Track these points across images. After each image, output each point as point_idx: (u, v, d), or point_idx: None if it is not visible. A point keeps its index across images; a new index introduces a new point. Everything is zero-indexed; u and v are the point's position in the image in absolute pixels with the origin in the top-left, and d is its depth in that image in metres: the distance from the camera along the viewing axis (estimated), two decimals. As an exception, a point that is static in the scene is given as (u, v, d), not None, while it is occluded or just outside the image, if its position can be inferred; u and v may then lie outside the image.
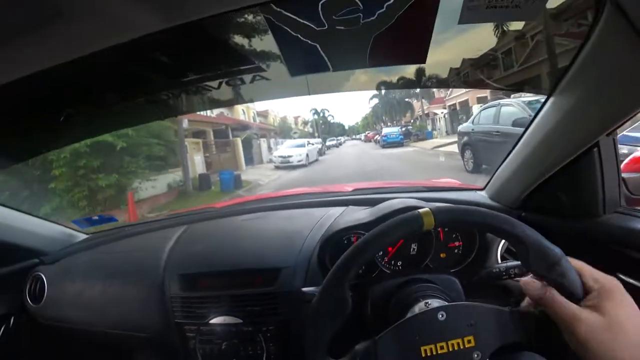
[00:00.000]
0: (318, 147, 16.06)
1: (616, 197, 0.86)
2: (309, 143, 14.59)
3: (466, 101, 16.48)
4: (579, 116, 0.76)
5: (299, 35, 0.62)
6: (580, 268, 0.53)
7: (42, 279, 1.20)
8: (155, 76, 0.74)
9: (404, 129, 18.13)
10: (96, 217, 1.42)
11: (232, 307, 0.97)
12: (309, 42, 0.64)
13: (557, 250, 0.53)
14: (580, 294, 0.51)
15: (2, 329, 1.16)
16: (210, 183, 10.55)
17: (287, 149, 14.37)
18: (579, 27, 0.69)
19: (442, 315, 0.55)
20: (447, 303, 0.68)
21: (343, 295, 0.57)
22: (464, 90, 15.22)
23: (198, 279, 1.04)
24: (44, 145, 1.10)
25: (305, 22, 0.59)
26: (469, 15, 0.59)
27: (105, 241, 1.32)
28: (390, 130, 17.42)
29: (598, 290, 0.50)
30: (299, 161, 13.04)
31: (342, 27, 0.61)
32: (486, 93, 12.88)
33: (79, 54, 0.59)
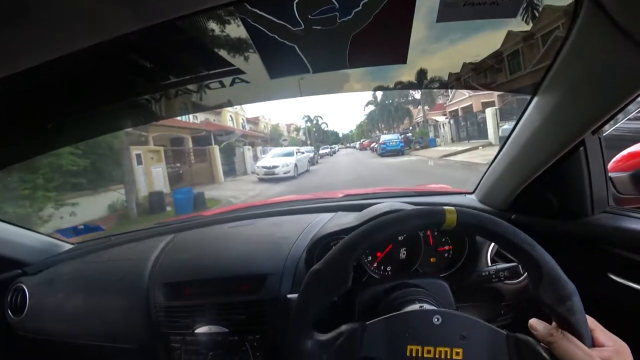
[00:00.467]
0: (309, 156, 14.70)
1: (604, 197, 0.85)
2: (298, 151, 13.02)
3: (469, 107, 15.37)
4: (563, 115, 0.75)
5: (276, 36, 0.61)
6: (591, 322, 0.52)
7: (24, 290, 1.17)
8: (133, 79, 0.72)
9: (403, 136, 16.66)
10: (82, 227, 1.40)
11: (217, 316, 0.95)
12: (287, 43, 0.63)
13: (571, 285, 0.52)
14: (588, 340, 0.50)
15: None
16: (164, 204, 8.32)
17: (273, 158, 12.50)
18: (558, 25, 0.69)
19: (438, 320, 0.54)
20: (437, 308, 0.66)
21: (347, 268, 0.56)
22: (466, 94, 14.91)
23: (183, 287, 1.01)
24: (14, 156, 1.08)
25: (281, 22, 0.59)
26: (447, 13, 0.58)
27: (90, 250, 1.30)
28: (390, 137, 15.83)
29: (614, 347, 0.50)
30: (286, 172, 11.34)
31: (319, 27, 0.60)
32: (493, 98, 12.47)
33: (50, 55, 0.58)
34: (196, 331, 0.95)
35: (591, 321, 0.52)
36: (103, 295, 1.10)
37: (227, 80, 0.72)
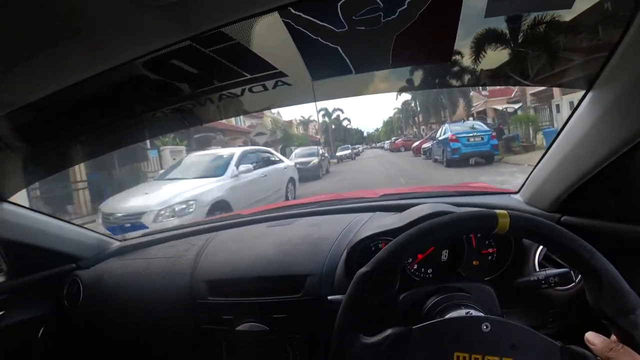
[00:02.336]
0: (313, 163, 10.43)
1: None
2: (278, 160, 7.12)
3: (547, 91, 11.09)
4: (623, 110, 0.70)
5: (319, 38, 0.62)
6: None
7: (79, 282, 1.25)
8: (179, 86, 0.75)
9: (491, 128, 9.75)
10: (128, 225, 1.48)
11: (258, 314, 0.97)
12: (330, 44, 0.63)
13: (636, 296, 0.49)
14: None
15: (42, 329, 1.22)
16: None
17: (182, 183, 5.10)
18: (618, 14, 0.64)
19: (487, 327, 0.52)
20: (483, 314, 0.64)
21: (395, 271, 0.56)
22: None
23: (224, 285, 1.05)
24: (73, 159, 1.16)
25: (324, 24, 0.59)
26: (496, 7, 0.56)
27: (136, 248, 1.37)
28: (466, 129, 8.94)
29: None
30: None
31: (363, 28, 0.60)
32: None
33: (101, 68, 0.61)
34: (237, 328, 0.98)
35: None
36: (149, 290, 1.16)
37: (269, 84, 0.73)
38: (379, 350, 0.53)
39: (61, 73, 0.63)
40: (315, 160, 11.03)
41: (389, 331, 0.54)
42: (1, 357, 1.15)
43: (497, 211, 0.55)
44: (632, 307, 0.48)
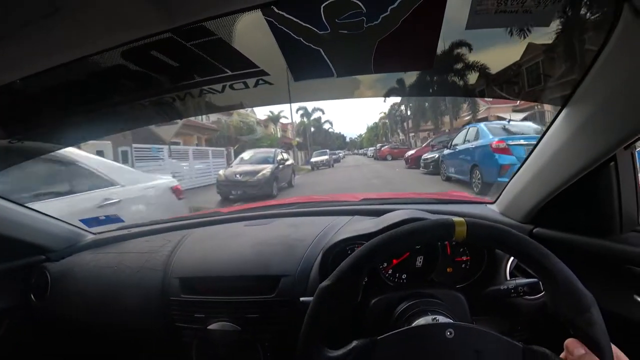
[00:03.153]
0: (262, 174, 7.91)
1: (634, 215, 0.81)
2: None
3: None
4: (595, 128, 0.72)
5: (302, 39, 0.61)
6: (616, 351, 0.50)
7: (47, 275, 1.21)
8: (159, 78, 0.74)
9: None
10: (103, 217, 1.44)
11: (230, 314, 0.96)
12: (312, 46, 0.63)
13: (590, 296, 0.50)
14: (609, 353, 0.48)
15: (7, 322, 1.17)
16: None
17: None
18: (594, 35, 0.66)
19: (450, 333, 0.53)
20: (452, 320, 0.65)
21: (357, 283, 0.56)
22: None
23: (197, 283, 1.03)
24: (45, 148, 1.12)
25: (307, 25, 0.58)
26: (477, 20, 0.57)
27: (110, 241, 1.34)
28: (519, 134, 5.65)
29: None
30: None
31: (346, 32, 0.60)
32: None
33: (80, 53, 0.60)
34: (209, 327, 0.96)
35: (615, 350, 0.50)
36: (121, 285, 1.13)
37: (251, 82, 0.72)
38: None
39: (35, 55, 0.61)
40: (266, 170, 8.00)
41: (353, 343, 0.54)
42: None
43: (455, 219, 0.55)
44: (586, 305, 0.49)
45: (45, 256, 1.28)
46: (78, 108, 0.85)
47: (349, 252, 0.96)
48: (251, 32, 0.62)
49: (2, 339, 1.16)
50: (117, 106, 0.85)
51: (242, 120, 17.91)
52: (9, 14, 0.50)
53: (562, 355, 0.51)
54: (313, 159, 17.13)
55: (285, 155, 9.78)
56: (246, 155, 9.91)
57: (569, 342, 0.51)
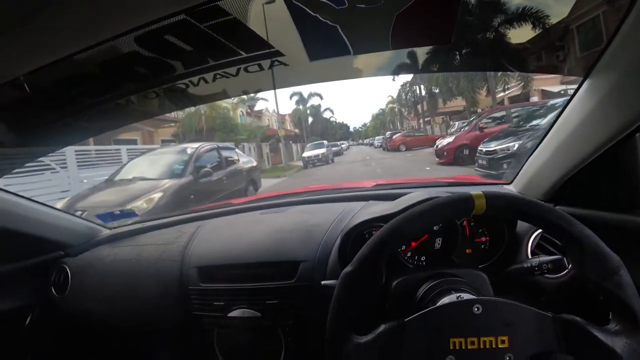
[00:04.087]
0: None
1: None
2: None
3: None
4: (619, 99, 0.70)
5: (318, 15, 0.60)
6: None
7: (67, 270, 1.23)
8: (172, 64, 0.73)
9: None
10: (118, 212, 1.45)
11: (250, 301, 0.96)
12: (329, 22, 0.62)
13: (617, 258, 0.50)
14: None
15: (29, 318, 1.19)
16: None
17: None
18: (617, 2, 0.64)
19: (478, 309, 0.52)
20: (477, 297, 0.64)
21: (380, 266, 0.55)
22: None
23: (215, 271, 1.04)
24: (59, 142, 1.12)
25: (324, 0, 0.57)
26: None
27: (126, 236, 1.35)
28: None
29: None
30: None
31: (363, 6, 0.58)
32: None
33: (92, 40, 0.59)
34: (229, 314, 0.97)
35: None
36: (139, 278, 1.14)
37: (265, 64, 0.71)
38: (374, 349, 0.53)
39: (47, 45, 0.61)
40: (155, 192, 4.50)
41: (381, 327, 0.54)
42: None
43: (472, 192, 0.55)
44: (615, 268, 0.49)
45: (64, 252, 1.29)
46: (87, 100, 0.85)
47: (366, 235, 0.96)
48: (266, 11, 0.61)
49: (26, 334, 1.18)
50: (128, 95, 0.84)
51: (217, 109, 14.72)
52: (21, 3, 0.49)
53: (613, 327, 0.50)
54: (306, 154, 14.16)
55: (233, 155, 6.63)
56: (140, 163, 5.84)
57: None
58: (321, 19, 0.61)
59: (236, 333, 0.98)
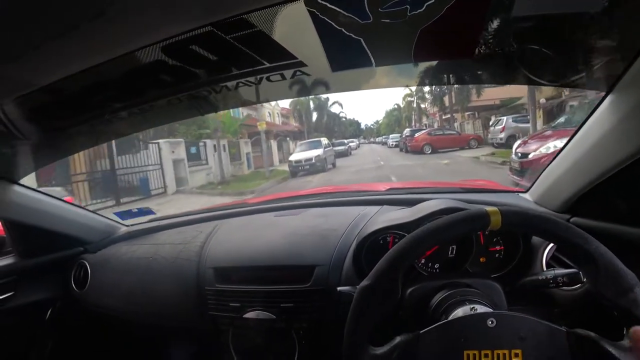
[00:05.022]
0: None
1: None
2: None
3: None
4: None
5: (343, 29, 0.61)
6: None
7: (86, 266, 1.26)
8: (197, 72, 0.75)
9: None
10: (135, 210, 1.48)
11: (265, 303, 0.98)
12: (353, 36, 0.63)
13: (632, 275, 0.50)
14: None
15: (50, 311, 1.23)
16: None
17: None
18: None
19: (492, 322, 0.53)
20: (491, 309, 0.65)
21: (396, 280, 0.57)
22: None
23: (232, 272, 1.06)
24: (90, 142, 1.15)
25: (350, 15, 0.58)
26: (525, 5, 0.55)
27: (143, 233, 1.38)
28: None
29: None
30: None
31: (388, 20, 0.59)
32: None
33: (122, 50, 0.61)
34: (244, 316, 0.99)
35: None
36: (156, 276, 1.17)
37: (288, 73, 0.73)
38: None
39: (81, 55, 0.63)
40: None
41: (397, 339, 0.55)
42: (10, 337, 1.17)
43: (488, 209, 0.56)
44: (630, 285, 0.49)
45: (84, 248, 1.33)
46: (113, 105, 0.88)
47: (381, 242, 0.96)
48: (291, 24, 0.62)
49: (46, 327, 1.23)
50: (153, 101, 0.86)
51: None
52: (62, 14, 0.51)
53: (627, 343, 0.49)
54: (294, 156, 10.76)
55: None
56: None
57: (636, 329, 0.49)
58: (345, 32, 0.61)
59: (251, 334, 1.00)
